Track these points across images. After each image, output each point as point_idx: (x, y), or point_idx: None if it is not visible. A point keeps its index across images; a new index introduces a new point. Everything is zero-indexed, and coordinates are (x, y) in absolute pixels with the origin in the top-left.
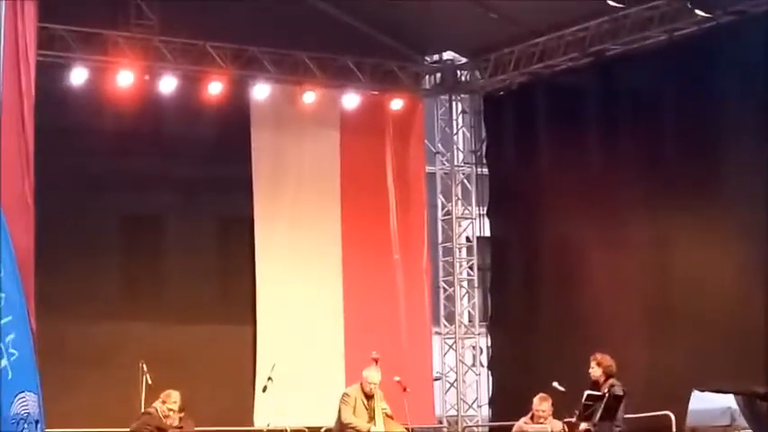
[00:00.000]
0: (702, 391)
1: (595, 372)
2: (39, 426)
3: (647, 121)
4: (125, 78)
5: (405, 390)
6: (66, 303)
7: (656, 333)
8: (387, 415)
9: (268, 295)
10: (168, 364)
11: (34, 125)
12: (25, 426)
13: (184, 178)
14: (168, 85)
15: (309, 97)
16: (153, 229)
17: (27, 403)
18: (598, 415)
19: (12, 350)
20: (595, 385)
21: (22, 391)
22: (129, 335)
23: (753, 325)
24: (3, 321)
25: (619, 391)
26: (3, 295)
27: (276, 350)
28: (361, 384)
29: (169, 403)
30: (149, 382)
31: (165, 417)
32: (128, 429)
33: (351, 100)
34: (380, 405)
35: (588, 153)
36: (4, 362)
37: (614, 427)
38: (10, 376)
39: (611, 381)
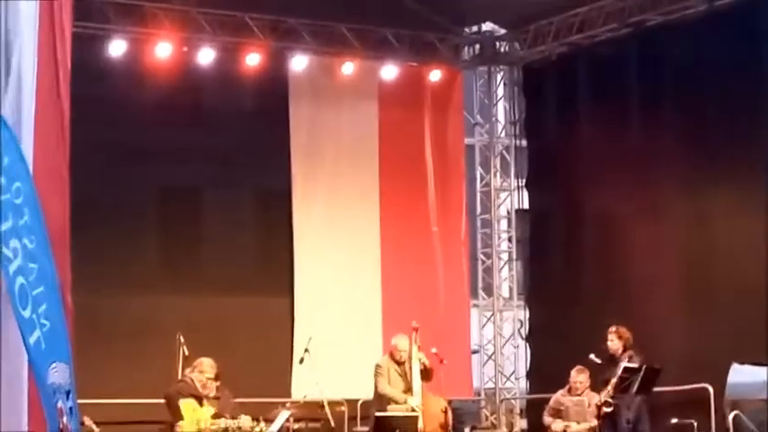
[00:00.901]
0: (742, 363)
1: (614, 344)
2: (70, 395)
3: (688, 91)
4: (163, 50)
5: (441, 362)
6: (103, 275)
7: (696, 306)
8: (424, 367)
9: (306, 267)
10: (205, 336)
11: (71, 96)
12: (59, 395)
13: (223, 150)
14: (206, 56)
15: (348, 69)
16: (191, 200)
17: (58, 373)
18: (635, 388)
19: (44, 321)
20: (612, 358)
21: (54, 361)
22: (166, 306)
23: None
24: (35, 293)
25: (636, 362)
26: (35, 266)
27: (314, 322)
28: (391, 353)
29: (207, 372)
30: (186, 353)
31: (203, 386)
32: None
33: (389, 71)
34: (417, 357)
35: (628, 124)
36: (38, 333)
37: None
38: (43, 347)
39: (628, 352)
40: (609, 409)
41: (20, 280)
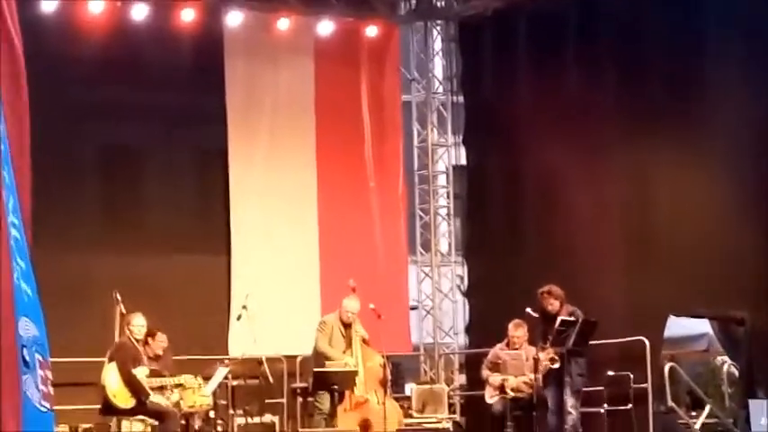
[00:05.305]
0: (678, 316)
1: (554, 306)
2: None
3: (629, 48)
4: (96, 6)
5: (379, 317)
6: (40, 233)
7: (635, 261)
8: (363, 340)
9: (243, 225)
10: (143, 294)
11: None
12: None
13: (158, 108)
14: (140, 12)
15: (283, 24)
16: (128, 158)
17: (29, 327)
18: (572, 340)
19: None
20: (554, 317)
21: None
22: (103, 264)
23: (729, 252)
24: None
25: (580, 314)
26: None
27: (251, 279)
28: (339, 313)
29: (139, 324)
30: (123, 311)
31: (142, 344)
32: (106, 359)
33: (325, 27)
34: (357, 330)
35: (567, 81)
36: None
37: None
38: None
39: (566, 307)
40: (556, 366)
41: (14, 233)
